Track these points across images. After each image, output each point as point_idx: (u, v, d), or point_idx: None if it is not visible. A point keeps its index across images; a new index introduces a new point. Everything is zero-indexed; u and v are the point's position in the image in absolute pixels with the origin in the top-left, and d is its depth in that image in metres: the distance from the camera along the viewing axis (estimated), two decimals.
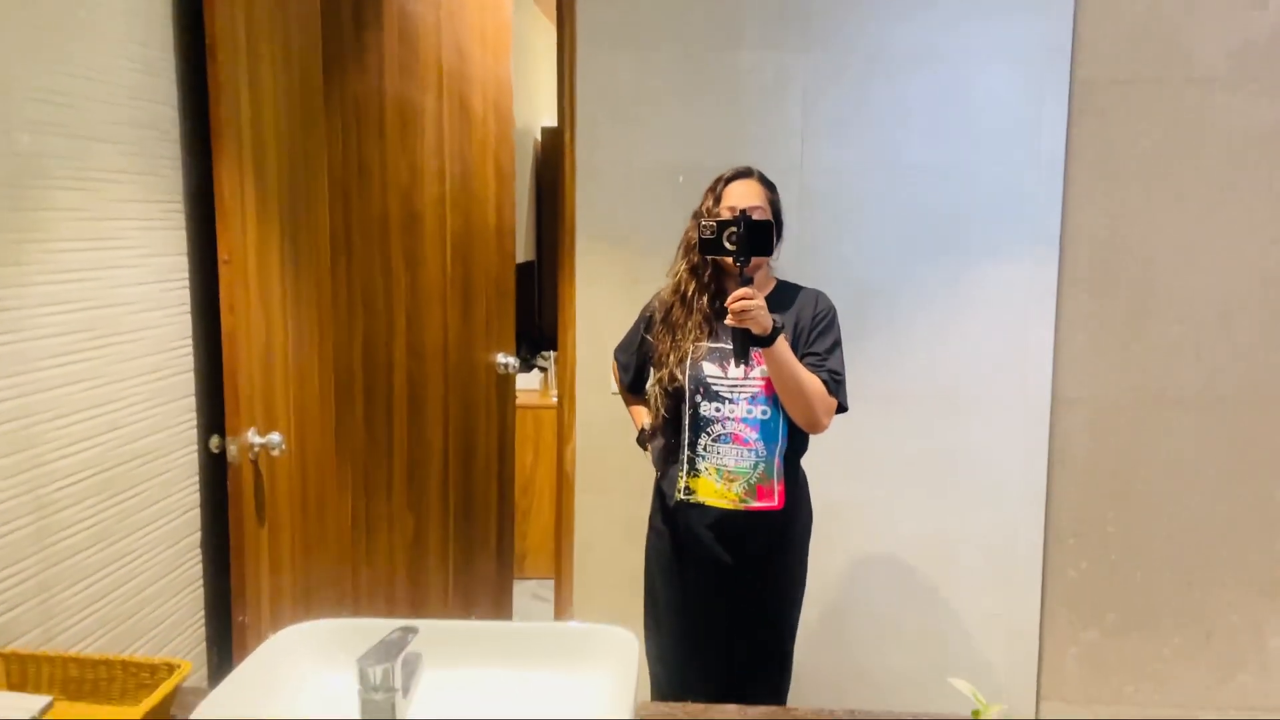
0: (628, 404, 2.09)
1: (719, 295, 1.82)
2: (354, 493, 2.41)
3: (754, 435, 1.80)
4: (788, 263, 1.91)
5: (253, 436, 1.69)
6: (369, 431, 2.45)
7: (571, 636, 1.10)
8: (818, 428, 1.79)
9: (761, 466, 1.80)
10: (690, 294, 1.84)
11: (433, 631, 1.02)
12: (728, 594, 1.86)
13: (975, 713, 0.84)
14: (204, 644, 1.73)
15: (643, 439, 2.03)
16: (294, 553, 1.95)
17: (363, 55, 2.23)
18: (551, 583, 2.72)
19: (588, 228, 2.27)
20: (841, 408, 1.79)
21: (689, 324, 1.84)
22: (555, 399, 2.67)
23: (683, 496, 1.85)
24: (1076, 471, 1.97)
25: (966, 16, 2.08)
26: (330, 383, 2.13)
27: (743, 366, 1.74)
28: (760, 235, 1.72)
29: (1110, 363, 1.95)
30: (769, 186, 1.84)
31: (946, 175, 2.09)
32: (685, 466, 1.85)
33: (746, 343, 1.70)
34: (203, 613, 1.72)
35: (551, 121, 3.18)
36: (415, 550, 2.62)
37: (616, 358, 2.08)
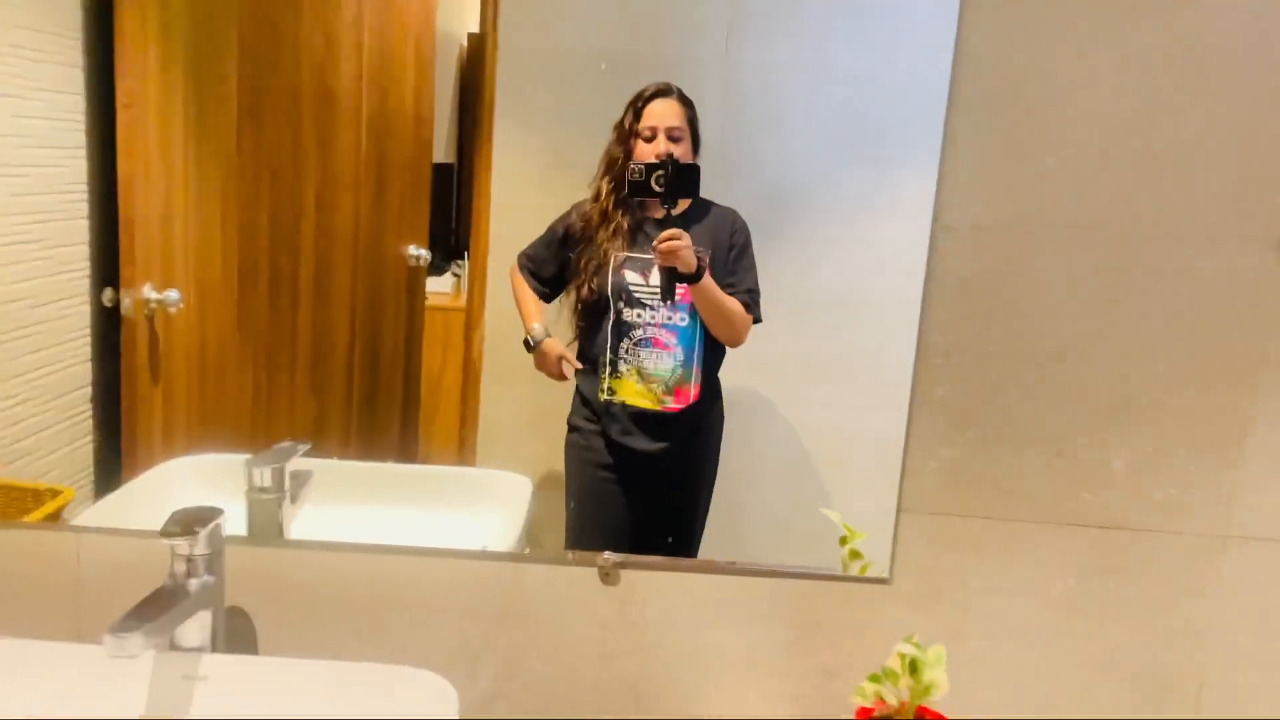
0: (520, 301, 2.15)
1: (641, 211, 1.91)
2: (255, 370, 2.37)
3: (673, 340, 1.94)
4: (707, 161, 1.91)
5: (149, 292, 1.65)
6: (273, 311, 2.40)
7: (469, 480, 1.12)
8: (738, 343, 1.95)
9: (680, 370, 1.94)
10: (610, 209, 1.94)
11: (331, 470, 1.04)
12: (646, 480, 2.01)
13: (843, 539, 0.90)
14: (91, 501, 1.71)
15: (531, 343, 2.11)
16: (189, 419, 1.92)
17: None
18: None
19: (508, 110, 2.25)
20: (757, 320, 1.95)
21: (610, 235, 1.94)
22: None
23: (606, 397, 1.97)
24: (948, 294, 1.94)
25: None
26: (234, 254, 2.08)
27: (667, 300, 1.88)
28: (688, 179, 1.81)
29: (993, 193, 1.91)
30: (688, 104, 1.93)
31: (873, 81, 2.12)
32: (608, 369, 1.98)
33: (672, 280, 1.79)
34: (91, 469, 1.69)
35: (477, 28, 3.10)
36: (316, 435, 2.60)
37: (522, 263, 2.13)
